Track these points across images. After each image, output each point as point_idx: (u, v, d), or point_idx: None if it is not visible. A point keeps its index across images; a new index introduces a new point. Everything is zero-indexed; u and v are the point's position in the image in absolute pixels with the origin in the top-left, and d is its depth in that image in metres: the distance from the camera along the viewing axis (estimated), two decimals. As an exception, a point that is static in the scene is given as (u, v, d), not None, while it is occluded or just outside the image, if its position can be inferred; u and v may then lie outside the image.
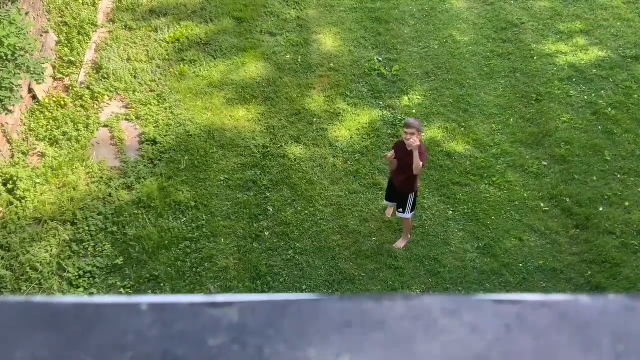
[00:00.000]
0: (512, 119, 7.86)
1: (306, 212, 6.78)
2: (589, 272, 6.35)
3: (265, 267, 6.30)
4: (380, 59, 8.60)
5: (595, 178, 7.24)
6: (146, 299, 0.46)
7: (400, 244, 6.53)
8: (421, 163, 5.69)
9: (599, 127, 7.80)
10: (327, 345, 0.43)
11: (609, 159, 7.43)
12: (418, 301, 0.46)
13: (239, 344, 0.43)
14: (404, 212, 6.18)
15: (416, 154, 5.62)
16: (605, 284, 6.25)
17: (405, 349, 0.43)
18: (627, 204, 6.97)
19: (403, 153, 5.76)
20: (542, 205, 6.95)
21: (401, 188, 6.09)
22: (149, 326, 0.44)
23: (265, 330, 0.44)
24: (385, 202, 6.63)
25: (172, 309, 0.45)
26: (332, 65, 8.46)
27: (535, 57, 8.69)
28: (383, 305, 0.46)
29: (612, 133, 7.73)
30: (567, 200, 6.98)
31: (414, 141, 5.56)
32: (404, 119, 7.73)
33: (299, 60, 8.53)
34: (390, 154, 5.84)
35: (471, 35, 9.03)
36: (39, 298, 0.46)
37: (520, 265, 6.40)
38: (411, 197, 6.08)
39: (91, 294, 6.07)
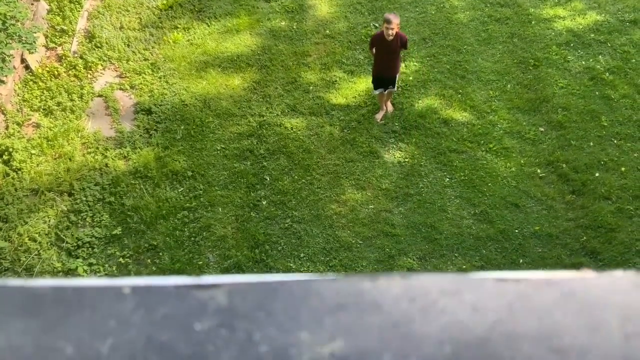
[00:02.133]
0: (509, 85, 7.80)
1: (303, 180, 6.77)
2: (584, 237, 6.38)
3: (263, 235, 6.32)
4: (377, 24, 8.47)
5: (591, 144, 7.22)
6: (129, 281, 0.43)
7: (390, 107, 7.39)
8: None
9: (596, 93, 7.75)
10: (319, 328, 0.41)
11: (605, 124, 7.39)
12: (416, 281, 0.44)
13: (227, 329, 0.41)
14: (394, 86, 7.05)
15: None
16: (600, 248, 6.29)
17: (402, 332, 0.41)
18: (623, 169, 6.97)
19: (385, 44, 6.54)
20: (538, 171, 6.94)
21: (389, 74, 6.87)
22: (131, 310, 0.42)
23: (255, 313, 0.42)
24: (375, 91, 7.19)
25: (156, 291, 0.43)
26: (327, 32, 8.35)
27: (533, 22, 8.58)
28: (379, 285, 0.44)
29: (609, 98, 7.68)
30: (564, 166, 6.97)
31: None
32: (401, 86, 7.67)
33: (294, 27, 8.41)
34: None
35: (468, 0, 8.89)
36: (16, 281, 0.43)
37: (516, 231, 6.42)
38: (398, 74, 7.01)
39: (90, 264, 6.09)
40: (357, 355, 0.39)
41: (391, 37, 6.44)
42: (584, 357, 0.40)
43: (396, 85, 7.09)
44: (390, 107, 7.40)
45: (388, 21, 6.39)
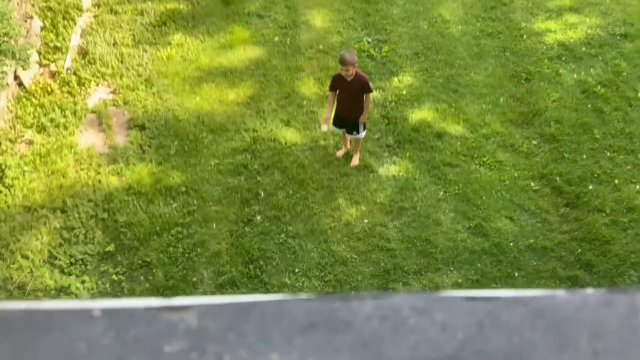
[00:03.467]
0: (502, 99, 7.84)
1: (297, 195, 6.76)
2: (579, 250, 6.39)
3: (258, 251, 6.30)
4: (370, 40, 8.54)
5: (584, 156, 7.25)
6: (100, 304, 0.43)
7: (356, 160, 6.98)
8: (370, 103, 6.50)
9: (589, 106, 7.80)
10: (290, 348, 0.41)
11: (598, 137, 7.44)
12: (387, 300, 0.44)
13: (197, 351, 0.41)
14: (358, 132, 6.67)
15: (366, 106, 6.42)
16: (595, 261, 6.30)
17: (372, 351, 0.41)
18: (616, 181, 7.00)
19: (344, 85, 6.26)
20: (532, 184, 6.96)
21: (351, 117, 6.55)
22: (101, 333, 0.41)
23: (225, 335, 0.42)
24: (333, 127, 6.86)
25: (127, 314, 0.43)
26: (321, 47, 8.40)
27: (524, 36, 8.65)
28: (351, 305, 0.44)
29: (601, 111, 7.74)
30: (557, 178, 7.00)
31: (324, 128, 6.55)
32: (395, 100, 7.71)
33: (288, 42, 8.46)
34: (324, 126, 6.60)
35: (460, 15, 8.97)
36: (-16, 305, 0.43)
37: (511, 244, 6.43)
38: (364, 120, 6.60)
39: (83, 281, 6.05)
40: (328, 375, 0.39)
41: (350, 77, 6.17)
42: (553, 375, 0.40)
43: (362, 132, 6.69)
44: (355, 160, 6.96)
45: (343, 62, 6.07)
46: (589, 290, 0.45)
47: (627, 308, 0.44)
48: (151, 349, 0.41)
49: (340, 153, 7.12)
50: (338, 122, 6.75)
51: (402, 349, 0.41)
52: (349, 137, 6.91)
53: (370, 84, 6.49)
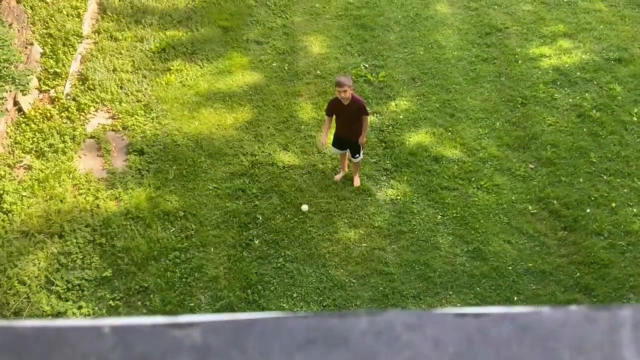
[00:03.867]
0: (498, 123, 7.91)
1: (295, 219, 6.77)
2: (578, 274, 6.38)
3: (256, 275, 6.28)
4: (367, 65, 8.63)
5: (581, 180, 7.29)
6: (108, 321, 0.45)
7: (357, 181, 7.08)
8: (368, 124, 6.60)
9: (584, 129, 7.87)
10: None
11: (594, 160, 7.48)
12: (381, 317, 0.46)
13: None
14: (359, 155, 6.79)
15: (364, 127, 6.52)
16: (593, 284, 6.29)
17: (368, 366, 0.42)
18: (613, 204, 7.02)
19: (342, 109, 6.35)
20: (529, 207, 6.98)
21: (350, 138, 6.63)
22: (110, 349, 0.43)
23: (228, 350, 0.43)
24: (333, 149, 6.98)
25: (134, 330, 0.44)
26: (318, 72, 8.48)
27: (519, 61, 8.76)
28: (347, 321, 0.45)
29: (597, 135, 7.79)
30: (555, 202, 7.02)
31: (362, 140, 6.56)
32: (392, 124, 7.77)
33: (286, 68, 8.54)
34: (322, 141, 6.67)
35: (456, 41, 9.09)
36: (0, 322, 0.45)
37: (510, 268, 6.42)
38: (363, 142, 6.70)
39: (80, 307, 6.02)
40: (325, 389, 0.41)
41: (347, 101, 6.25)
42: (540, 388, 0.42)
43: (361, 154, 6.81)
44: (357, 181, 7.07)
45: (340, 84, 6.13)
46: (573, 307, 0.47)
47: (609, 324, 0.45)
48: None
49: (338, 177, 7.16)
50: (338, 143, 6.83)
51: (396, 363, 0.43)
52: (349, 161, 6.98)
53: (367, 107, 6.56)
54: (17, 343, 0.42)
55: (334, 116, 6.59)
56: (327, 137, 6.66)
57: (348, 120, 6.50)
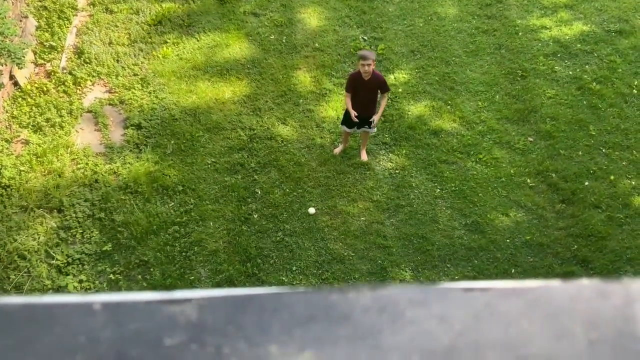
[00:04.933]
0: (497, 96, 7.86)
1: (294, 193, 6.77)
2: (575, 246, 6.41)
3: (255, 249, 6.30)
4: (366, 37, 8.54)
5: (580, 153, 7.27)
6: (100, 297, 0.43)
7: (365, 155, 7.05)
8: (385, 102, 6.53)
9: (584, 102, 7.82)
10: (289, 340, 0.41)
11: (594, 133, 7.46)
12: (385, 292, 0.45)
13: (197, 343, 0.41)
14: (370, 127, 6.66)
15: (382, 104, 6.46)
16: (591, 257, 6.32)
17: (371, 342, 0.41)
18: (612, 177, 7.02)
19: (362, 84, 6.23)
20: (528, 181, 6.98)
21: (367, 113, 6.46)
22: (101, 326, 0.42)
23: (225, 327, 0.42)
24: (343, 127, 6.84)
25: (127, 307, 0.43)
26: (317, 45, 8.39)
27: (520, 33, 8.67)
28: (349, 297, 0.44)
29: (596, 107, 7.76)
30: (553, 175, 7.02)
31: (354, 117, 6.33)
32: (391, 98, 7.71)
33: (284, 40, 8.45)
34: (354, 114, 6.37)
35: (456, 12, 8.98)
36: (-15, 299, 0.43)
37: (508, 241, 6.44)
38: (378, 116, 6.56)
39: (80, 281, 6.05)
40: (326, 366, 0.40)
41: (368, 76, 6.13)
42: (550, 365, 0.40)
43: (374, 127, 6.68)
44: (364, 155, 7.02)
45: (364, 57, 6.03)
46: (584, 281, 0.46)
47: (622, 298, 0.44)
48: (151, 341, 0.41)
49: (337, 150, 7.12)
50: (350, 121, 6.54)
51: (400, 340, 0.42)
52: (360, 130, 6.74)
53: (388, 84, 6.47)
54: (5, 321, 0.41)
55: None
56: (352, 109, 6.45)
57: (367, 97, 6.36)
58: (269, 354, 0.41)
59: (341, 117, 6.88)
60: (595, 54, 8.41)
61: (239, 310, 0.43)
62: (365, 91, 6.30)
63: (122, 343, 0.41)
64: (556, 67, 8.22)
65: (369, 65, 6.04)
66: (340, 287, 0.46)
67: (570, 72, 8.17)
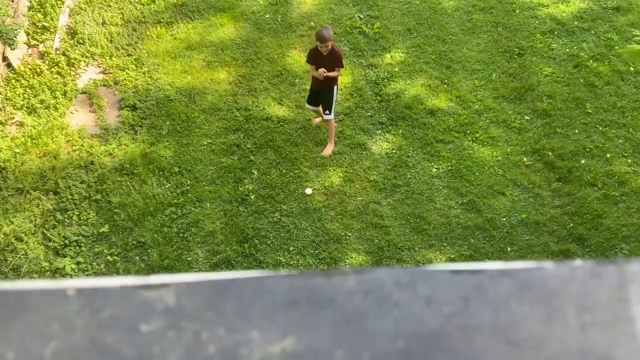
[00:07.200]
0: (494, 74, 7.81)
1: (291, 174, 6.75)
2: (571, 224, 6.43)
3: (252, 230, 6.30)
4: (362, 16, 8.45)
5: (577, 131, 7.26)
6: (74, 283, 0.42)
7: (327, 150, 6.90)
8: (340, 71, 6.54)
9: (581, 80, 7.78)
10: (271, 326, 0.40)
11: (590, 111, 7.43)
12: (370, 275, 0.43)
13: (174, 330, 0.40)
14: (329, 113, 6.64)
15: (336, 74, 6.45)
16: (587, 235, 6.34)
17: (355, 327, 0.40)
18: (608, 155, 7.01)
19: (320, 58, 6.35)
20: (524, 159, 6.97)
21: (322, 87, 6.53)
22: (75, 313, 0.40)
23: (203, 313, 0.41)
24: (308, 105, 6.92)
25: (102, 293, 0.41)
26: (312, 24, 8.31)
27: (517, 11, 8.59)
28: (333, 280, 0.43)
29: (593, 85, 7.72)
30: (550, 154, 7.01)
31: (321, 73, 6.32)
32: (387, 77, 7.66)
33: (279, 19, 8.37)
34: (321, 70, 6.37)
35: (453, -10, 8.88)
36: (-43, 286, 0.42)
37: (504, 219, 6.45)
38: (332, 93, 6.56)
39: (78, 262, 6.05)
40: (309, 352, 0.38)
41: (326, 52, 6.30)
42: (540, 349, 0.39)
43: (332, 111, 6.64)
44: (327, 150, 6.89)
45: (321, 39, 6.19)
46: (577, 262, 0.45)
47: (616, 280, 0.43)
48: (127, 328, 0.40)
49: (317, 121, 7.15)
50: (312, 98, 6.77)
51: (385, 324, 0.40)
52: (322, 120, 6.97)
53: (343, 60, 6.56)
54: None
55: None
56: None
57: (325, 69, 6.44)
58: (249, 340, 0.40)
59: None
60: (592, 32, 8.35)
61: (219, 295, 0.42)
62: (322, 65, 6.39)
63: (96, 329, 0.40)
64: (553, 45, 8.16)
65: (326, 47, 6.23)
66: (323, 271, 0.44)
67: (567, 50, 8.11)
